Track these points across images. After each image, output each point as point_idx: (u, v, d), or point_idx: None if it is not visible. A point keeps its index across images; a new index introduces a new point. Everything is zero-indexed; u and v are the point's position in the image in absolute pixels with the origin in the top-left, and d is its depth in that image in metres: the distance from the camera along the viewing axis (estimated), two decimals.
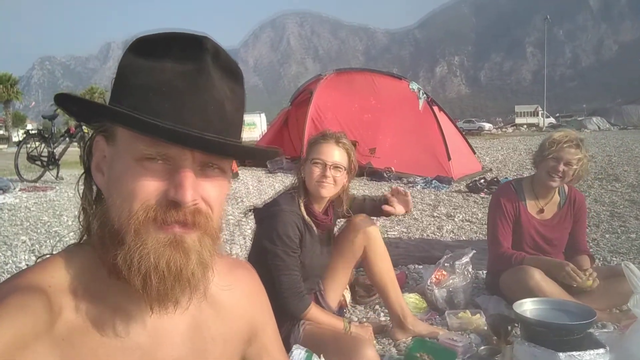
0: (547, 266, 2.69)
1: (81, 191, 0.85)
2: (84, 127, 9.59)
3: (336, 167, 2.28)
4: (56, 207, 6.69)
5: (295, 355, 1.93)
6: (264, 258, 2.20)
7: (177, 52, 0.76)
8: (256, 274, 1.06)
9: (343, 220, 2.63)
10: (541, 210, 2.98)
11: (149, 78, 0.74)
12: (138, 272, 0.73)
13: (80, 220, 0.85)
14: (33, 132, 10.07)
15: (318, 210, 2.37)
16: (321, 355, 1.95)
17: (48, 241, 4.76)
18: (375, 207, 2.60)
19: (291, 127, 11.13)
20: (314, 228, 2.34)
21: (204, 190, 0.77)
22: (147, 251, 0.73)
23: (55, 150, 9.38)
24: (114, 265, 0.75)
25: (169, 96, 0.73)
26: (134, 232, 0.73)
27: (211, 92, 0.76)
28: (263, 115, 55.32)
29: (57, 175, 9.43)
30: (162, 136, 0.71)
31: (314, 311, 2.25)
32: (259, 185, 8.65)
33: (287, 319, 2.24)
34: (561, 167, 2.78)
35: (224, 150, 0.77)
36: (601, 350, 1.76)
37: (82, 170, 0.85)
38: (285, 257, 2.19)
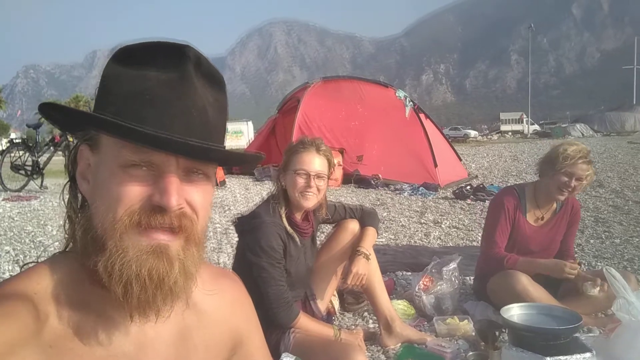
0: (542, 268, 2.71)
1: (66, 199, 0.85)
2: (69, 135, 9.51)
3: (319, 176, 2.29)
4: (40, 217, 6.60)
5: None
6: (249, 271, 2.19)
7: (159, 60, 0.77)
8: (241, 283, 1.06)
9: (325, 224, 2.65)
10: (540, 218, 2.98)
11: (132, 86, 0.75)
12: (119, 280, 0.73)
13: (66, 228, 0.85)
14: (17, 141, 9.94)
15: (299, 219, 2.37)
16: None
17: (32, 251, 4.69)
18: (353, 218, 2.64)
19: (278, 135, 11.12)
20: (297, 236, 2.34)
21: (188, 195, 0.78)
22: (128, 259, 0.73)
23: (39, 160, 9.26)
24: (95, 272, 0.75)
25: (152, 103, 0.74)
26: (118, 237, 0.73)
27: (194, 99, 0.77)
28: (250, 123, 55.18)
29: (41, 185, 9.32)
30: (145, 142, 0.72)
31: (302, 320, 2.24)
32: (246, 193, 8.62)
33: (277, 327, 2.24)
34: (573, 183, 2.76)
35: (207, 155, 0.78)
36: (587, 354, 1.78)
37: (67, 179, 0.85)
38: (270, 268, 2.18)
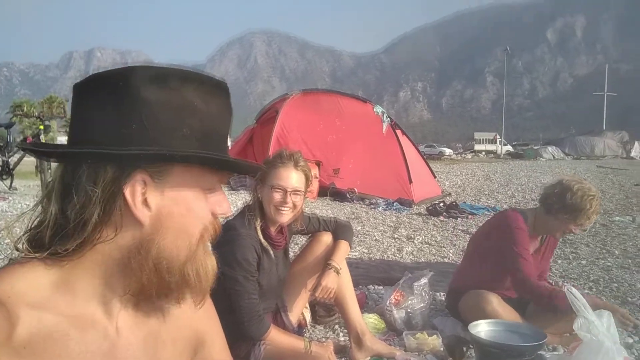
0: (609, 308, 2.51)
1: (50, 205, 0.83)
2: (41, 137, 9.35)
3: (295, 192, 2.30)
4: (8, 219, 6.46)
5: None
6: (222, 282, 2.18)
7: (215, 97, 0.87)
8: None
9: (300, 235, 2.66)
10: (538, 249, 2.96)
11: (203, 122, 0.84)
12: (197, 280, 0.87)
13: (30, 234, 0.83)
14: None
15: (273, 232, 2.39)
16: None
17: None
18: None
19: (256, 145, 11.11)
20: (270, 249, 2.36)
21: None
22: (201, 262, 0.88)
23: (9, 160, 9.08)
24: (68, 274, 0.80)
25: (220, 137, 0.88)
26: (195, 251, 0.86)
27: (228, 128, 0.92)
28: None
29: (10, 186, 9.13)
30: (245, 171, 0.93)
31: (273, 333, 2.25)
32: None
33: (247, 339, 2.24)
34: (578, 231, 2.80)
35: (253, 171, 0.98)
36: None
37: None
38: (244, 282, 2.19)
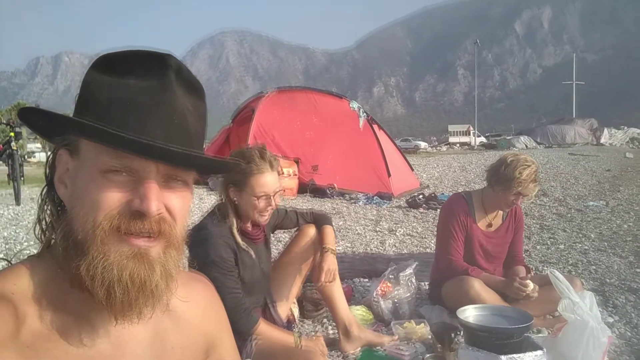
0: (499, 286, 2.81)
1: (43, 204, 0.86)
2: (12, 144, 9.15)
3: (277, 192, 2.30)
4: None
5: None
6: None
7: (140, 69, 0.78)
8: (213, 287, 1.08)
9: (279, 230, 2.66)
10: (489, 225, 3.09)
11: (113, 93, 0.77)
12: (101, 284, 0.74)
13: (36, 232, 0.85)
14: None
15: (249, 227, 2.37)
16: None
17: None
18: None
19: (233, 144, 11.03)
20: (249, 244, 2.34)
21: (168, 201, 0.80)
22: (110, 263, 0.75)
23: None
24: (76, 276, 0.76)
25: (133, 110, 0.76)
26: (99, 242, 0.74)
27: (174, 107, 0.79)
28: None
29: None
30: (128, 148, 0.73)
31: (262, 327, 2.25)
32: (200, 204, 8.49)
33: (238, 335, 2.23)
34: (520, 201, 2.92)
35: (188, 162, 0.80)
36: (539, 352, 1.88)
37: (45, 184, 0.86)
38: (222, 278, 2.17)
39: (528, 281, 2.68)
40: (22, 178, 9.19)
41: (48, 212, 0.85)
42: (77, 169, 0.79)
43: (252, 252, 2.31)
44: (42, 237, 0.85)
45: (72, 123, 0.77)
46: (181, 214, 0.83)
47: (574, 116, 53.49)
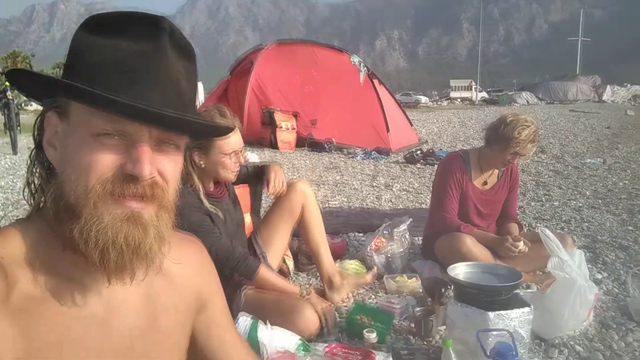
0: (491, 242, 2.86)
1: (32, 167, 0.85)
2: (8, 93, 9.07)
3: (242, 149, 2.32)
4: None
5: (241, 322, 1.98)
6: None
7: (133, 31, 0.77)
8: (204, 248, 1.09)
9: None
10: (485, 183, 3.11)
11: (105, 55, 0.75)
12: (95, 246, 0.75)
13: (25, 194, 0.85)
14: None
15: (212, 188, 2.37)
16: (267, 322, 1.99)
17: None
18: (257, 175, 2.70)
19: (231, 97, 10.91)
20: (215, 205, 2.33)
21: (160, 164, 0.79)
22: (104, 226, 0.75)
23: None
24: (69, 239, 0.76)
25: (126, 73, 0.75)
26: (92, 205, 0.74)
27: (167, 71, 0.78)
28: (200, 83, 53.78)
29: None
30: (122, 112, 0.72)
31: (264, 271, 2.29)
32: None
33: (228, 287, 2.27)
34: (517, 160, 2.93)
35: (182, 127, 0.80)
36: (526, 309, 1.91)
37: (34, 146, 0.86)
38: (210, 236, 2.20)
39: (519, 242, 2.71)
40: (18, 127, 9.16)
41: (37, 175, 0.84)
42: (67, 131, 0.78)
43: (219, 213, 2.31)
44: (32, 200, 0.85)
45: (65, 86, 0.75)
46: (173, 178, 0.83)
47: (577, 73, 52.76)
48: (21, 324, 0.72)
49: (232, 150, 2.24)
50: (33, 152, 0.85)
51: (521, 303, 1.96)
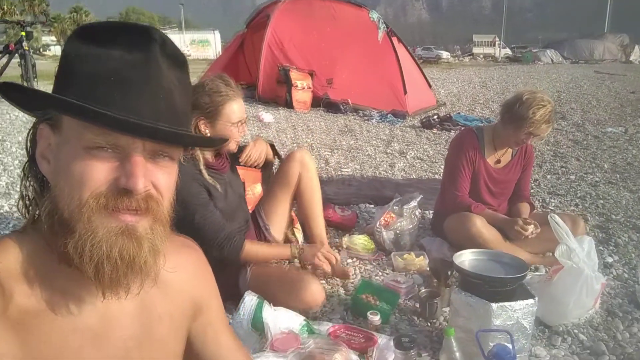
0: (501, 223, 2.83)
1: (25, 180, 0.85)
2: (24, 44, 9.04)
3: (246, 117, 2.32)
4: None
5: (247, 302, 2.01)
6: (187, 223, 2.17)
7: (124, 40, 0.76)
8: (202, 252, 1.10)
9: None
10: (498, 161, 3.06)
11: (96, 66, 0.74)
12: (90, 261, 0.75)
13: (20, 207, 0.86)
14: None
15: (212, 160, 2.36)
16: (271, 304, 2.02)
17: None
18: None
19: (247, 51, 10.76)
20: (216, 176, 2.33)
21: (154, 177, 0.79)
22: (98, 240, 0.75)
23: None
24: (64, 253, 0.76)
25: (118, 85, 0.74)
26: (86, 220, 0.74)
27: (160, 82, 0.77)
28: (217, 32, 53.04)
29: None
30: (113, 126, 0.72)
31: (249, 247, 2.29)
32: None
33: (232, 265, 2.31)
34: (530, 140, 2.87)
35: (176, 140, 0.80)
36: (530, 301, 1.91)
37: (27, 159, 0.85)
38: (203, 211, 2.20)
39: (529, 226, 2.69)
40: (35, 79, 9.17)
41: (31, 188, 0.85)
42: (59, 144, 0.78)
43: (217, 186, 2.31)
44: (26, 212, 0.85)
45: (55, 101, 0.75)
46: (168, 190, 0.83)
47: (605, 30, 50.91)
48: (19, 337, 0.74)
49: (239, 120, 2.24)
50: (26, 165, 0.85)
51: (526, 294, 1.96)
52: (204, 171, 2.26)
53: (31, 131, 0.83)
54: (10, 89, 0.77)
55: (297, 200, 2.72)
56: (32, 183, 0.84)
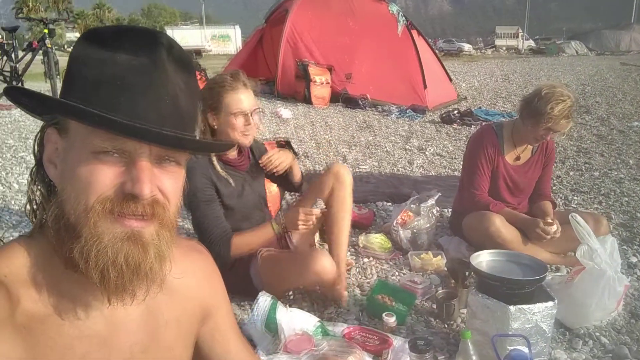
0: (521, 223, 2.77)
1: (33, 184, 0.85)
2: (47, 41, 9.17)
3: (255, 111, 2.27)
4: (22, 129, 6.50)
5: (261, 302, 2.00)
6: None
7: (131, 44, 0.75)
8: (210, 256, 1.10)
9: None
10: (517, 158, 3.00)
11: (102, 70, 0.74)
12: (96, 266, 0.75)
13: (27, 212, 0.86)
14: None
15: (232, 156, 2.35)
16: (287, 305, 2.01)
17: (15, 168, 4.67)
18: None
19: (266, 47, 10.77)
20: (232, 173, 2.33)
21: (160, 182, 0.78)
22: (104, 245, 0.75)
23: (17, 65, 8.98)
24: (70, 258, 0.76)
25: (124, 90, 0.73)
26: (92, 225, 0.74)
27: (166, 87, 0.76)
28: (238, 27, 53.25)
29: None
30: (120, 131, 0.71)
31: (235, 240, 2.25)
32: None
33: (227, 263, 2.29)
34: (550, 136, 2.80)
35: (182, 145, 0.79)
36: (550, 303, 1.87)
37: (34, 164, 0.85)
38: (198, 211, 2.22)
39: (550, 227, 2.62)
40: (57, 76, 9.30)
41: (38, 193, 0.84)
42: (66, 149, 0.78)
43: (231, 180, 2.31)
44: (33, 217, 0.85)
45: (62, 105, 0.75)
46: (174, 195, 0.82)
47: (632, 21, 49.70)
48: (25, 342, 0.74)
49: (239, 110, 2.22)
50: (34, 170, 0.85)
51: (545, 296, 1.92)
52: (216, 164, 2.27)
53: (39, 135, 0.83)
54: (19, 93, 0.77)
55: (327, 214, 2.51)
56: (39, 187, 0.84)
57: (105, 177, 0.74)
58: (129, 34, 0.77)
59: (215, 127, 2.26)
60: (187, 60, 0.81)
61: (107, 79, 0.73)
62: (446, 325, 2.25)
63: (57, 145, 0.79)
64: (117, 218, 0.75)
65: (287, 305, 2.05)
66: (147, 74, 0.75)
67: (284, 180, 2.64)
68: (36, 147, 0.84)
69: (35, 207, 0.85)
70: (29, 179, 0.86)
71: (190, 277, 0.98)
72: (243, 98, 2.23)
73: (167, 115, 0.76)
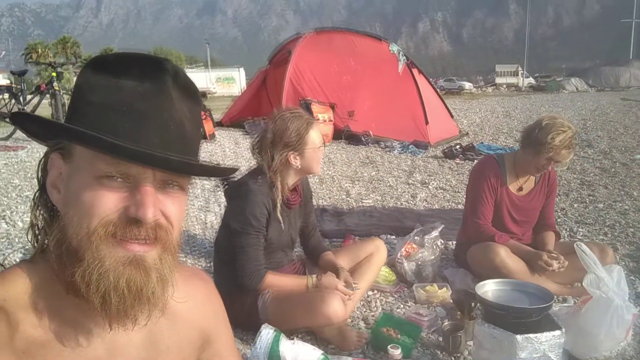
0: (525, 255, 2.76)
1: (35, 209, 0.85)
2: (55, 84, 9.35)
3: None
4: (27, 169, 6.55)
5: (264, 335, 1.97)
6: (230, 236, 2.27)
7: (136, 71, 0.77)
8: (212, 282, 1.09)
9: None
10: (520, 189, 3.00)
11: (108, 96, 0.75)
12: (97, 291, 0.74)
13: (29, 236, 0.86)
14: (1, 87, 9.77)
15: (288, 193, 2.38)
16: (293, 338, 1.98)
17: (19, 206, 4.69)
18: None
19: (269, 87, 10.95)
20: (284, 208, 2.36)
21: (164, 206, 0.79)
22: (105, 269, 0.74)
23: (25, 108, 9.13)
24: (71, 283, 0.76)
25: (129, 116, 0.75)
26: (94, 248, 0.74)
27: (171, 113, 0.77)
28: (242, 70, 54.28)
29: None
30: (126, 156, 0.72)
31: (269, 278, 2.28)
32: (236, 148, 8.58)
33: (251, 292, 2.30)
34: (551, 166, 2.82)
35: (186, 170, 0.80)
36: (557, 332, 1.84)
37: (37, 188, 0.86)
38: (248, 237, 2.23)
39: (554, 261, 2.61)
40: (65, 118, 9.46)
41: (40, 217, 0.85)
42: (70, 173, 0.78)
43: (281, 221, 2.34)
44: (35, 242, 0.86)
45: (67, 130, 0.76)
46: (177, 220, 0.82)
47: (630, 57, 50.45)
48: None
49: (321, 143, 2.33)
50: (37, 194, 0.85)
51: (552, 325, 1.89)
52: (278, 206, 2.30)
53: (42, 161, 0.84)
54: (24, 119, 0.79)
55: (355, 271, 2.58)
56: (42, 212, 0.84)
57: (109, 200, 0.74)
58: (134, 60, 0.79)
59: (299, 166, 2.29)
60: (192, 87, 0.83)
61: (112, 104, 0.74)
62: (453, 358, 2.21)
63: (61, 170, 0.80)
64: (120, 242, 0.75)
65: (291, 338, 2.01)
66: (152, 100, 0.76)
67: (306, 238, 2.70)
68: (39, 172, 0.85)
69: (37, 232, 0.85)
70: (32, 204, 0.86)
71: (191, 303, 0.98)
72: (318, 134, 2.33)
73: (172, 141, 0.77)
